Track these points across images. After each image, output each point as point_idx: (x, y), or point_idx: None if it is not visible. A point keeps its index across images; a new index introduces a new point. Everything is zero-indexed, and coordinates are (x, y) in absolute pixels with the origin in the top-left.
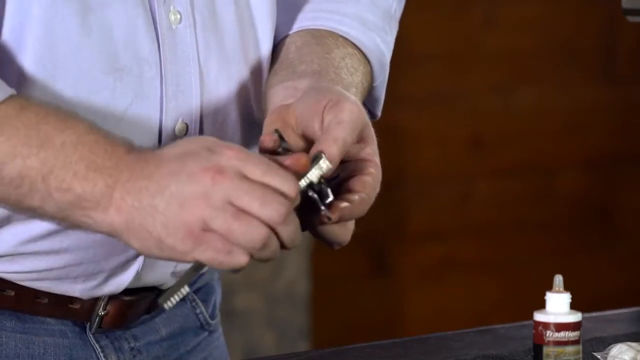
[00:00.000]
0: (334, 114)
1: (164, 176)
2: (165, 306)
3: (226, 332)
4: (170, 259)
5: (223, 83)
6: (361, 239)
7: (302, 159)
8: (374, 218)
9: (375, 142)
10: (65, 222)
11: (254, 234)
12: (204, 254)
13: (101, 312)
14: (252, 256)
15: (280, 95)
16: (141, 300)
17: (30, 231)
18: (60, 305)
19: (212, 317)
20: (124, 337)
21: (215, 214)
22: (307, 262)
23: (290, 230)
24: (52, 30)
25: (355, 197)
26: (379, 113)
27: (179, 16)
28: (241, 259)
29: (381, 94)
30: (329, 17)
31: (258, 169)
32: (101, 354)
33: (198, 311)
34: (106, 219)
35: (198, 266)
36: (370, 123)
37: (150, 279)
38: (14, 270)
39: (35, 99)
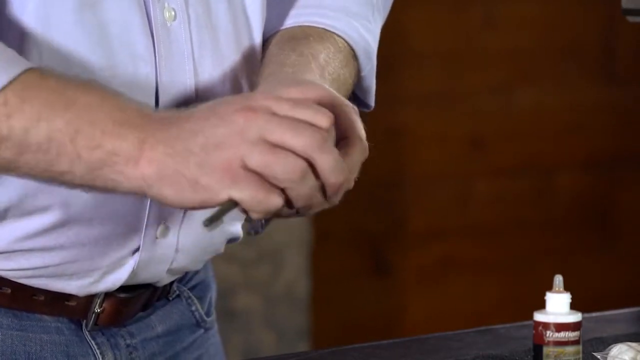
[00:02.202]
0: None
1: (196, 122)
2: (209, 229)
3: (226, 332)
4: (204, 203)
5: (218, 80)
6: (361, 239)
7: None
8: (374, 218)
9: (352, 111)
10: (93, 186)
11: (291, 165)
12: (242, 192)
13: (97, 310)
14: (290, 200)
15: None
16: (137, 298)
17: (26, 228)
18: (56, 303)
19: (208, 314)
20: (120, 334)
21: (251, 149)
22: (307, 262)
23: (330, 159)
24: (48, 26)
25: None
26: (372, 103)
27: (173, 13)
28: (277, 200)
29: (371, 83)
30: (312, 12)
31: (287, 104)
32: (97, 351)
33: (194, 308)
34: (137, 173)
35: (231, 205)
36: (335, 93)
37: (146, 276)
38: (9, 268)
39: (55, 70)
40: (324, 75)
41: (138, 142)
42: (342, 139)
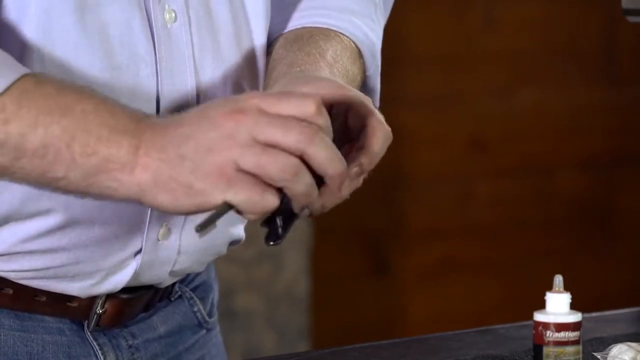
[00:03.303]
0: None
1: (187, 127)
2: (200, 235)
3: (226, 333)
4: (199, 207)
5: (218, 81)
6: (361, 239)
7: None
8: (374, 218)
9: (371, 103)
10: (90, 192)
11: (284, 163)
12: (238, 195)
13: (99, 310)
14: (284, 196)
15: None
16: (139, 298)
17: (28, 230)
18: (58, 304)
19: (210, 315)
20: (122, 335)
21: (243, 151)
22: (307, 262)
23: (322, 151)
24: (49, 29)
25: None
26: (377, 103)
27: (173, 15)
28: (273, 200)
29: (375, 83)
30: (316, 13)
31: (274, 97)
32: (99, 352)
33: (196, 309)
34: (133, 180)
35: (227, 207)
36: (348, 87)
37: (149, 277)
38: (11, 269)
39: (52, 76)
40: (333, 72)
41: (133, 148)
42: (361, 128)
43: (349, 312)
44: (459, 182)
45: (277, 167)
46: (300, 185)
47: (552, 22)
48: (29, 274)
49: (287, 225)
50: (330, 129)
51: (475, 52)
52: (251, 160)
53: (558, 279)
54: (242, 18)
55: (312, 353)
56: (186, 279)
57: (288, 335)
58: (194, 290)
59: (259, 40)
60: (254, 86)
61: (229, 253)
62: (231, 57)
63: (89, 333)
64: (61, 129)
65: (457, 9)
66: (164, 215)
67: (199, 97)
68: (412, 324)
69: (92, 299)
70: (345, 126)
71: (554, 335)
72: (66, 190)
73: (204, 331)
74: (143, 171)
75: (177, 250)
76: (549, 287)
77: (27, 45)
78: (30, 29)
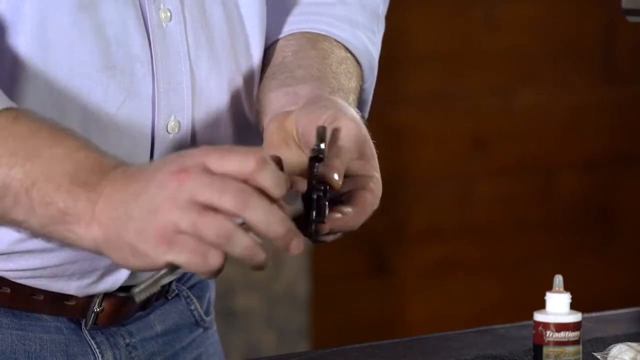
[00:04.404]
0: (333, 136)
1: (139, 186)
2: (137, 298)
3: (226, 333)
4: (147, 268)
5: (214, 81)
6: (361, 239)
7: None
8: (374, 218)
9: (375, 157)
10: (51, 239)
11: (218, 227)
12: (179, 257)
13: (96, 309)
14: (226, 256)
15: (281, 100)
16: None
17: None
18: (55, 302)
19: (207, 313)
20: (119, 333)
21: (182, 214)
22: (307, 262)
23: (259, 214)
24: (45, 28)
25: (350, 209)
26: (365, 115)
27: (169, 14)
28: (216, 260)
29: (369, 96)
30: (319, 19)
31: (218, 154)
32: (97, 350)
33: (193, 307)
34: (88, 234)
35: (173, 268)
36: (369, 138)
37: (145, 276)
38: (9, 269)
39: (34, 113)
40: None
41: (89, 202)
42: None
43: (349, 312)
44: (459, 182)
45: (212, 230)
46: (237, 248)
47: (553, 21)
48: (27, 273)
49: (321, 216)
50: (280, 180)
51: (475, 51)
52: (187, 222)
53: (558, 279)
54: (236, 18)
55: (312, 353)
56: (183, 278)
57: (288, 335)
58: (190, 288)
59: (254, 39)
60: (249, 85)
61: None
62: (226, 56)
63: (86, 331)
64: (24, 173)
65: (457, 8)
66: None
67: (195, 96)
68: (412, 324)
69: (90, 298)
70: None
71: (554, 335)
72: (32, 233)
73: (201, 330)
74: (98, 227)
75: None
76: (549, 287)
77: (22, 45)
78: (25, 30)
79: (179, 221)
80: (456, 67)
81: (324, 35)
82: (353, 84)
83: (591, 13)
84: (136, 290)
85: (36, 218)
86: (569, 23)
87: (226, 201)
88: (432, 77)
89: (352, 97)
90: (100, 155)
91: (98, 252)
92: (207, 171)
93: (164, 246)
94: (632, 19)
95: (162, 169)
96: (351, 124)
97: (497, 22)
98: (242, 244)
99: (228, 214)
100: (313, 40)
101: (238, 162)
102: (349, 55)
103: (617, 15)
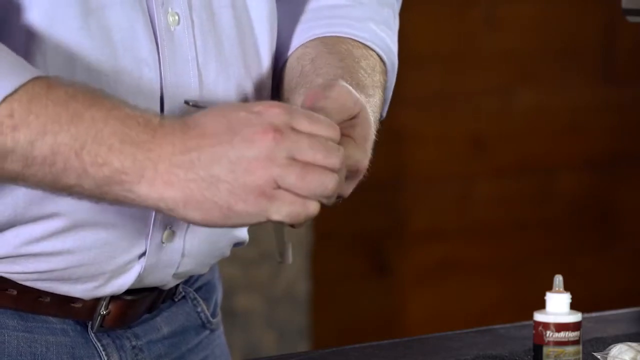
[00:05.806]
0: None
1: (216, 145)
2: (288, 262)
3: (226, 333)
4: (235, 225)
5: (222, 85)
6: (361, 239)
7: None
8: (374, 218)
9: (369, 140)
10: (105, 199)
11: (329, 182)
12: (280, 211)
13: (103, 312)
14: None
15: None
16: (143, 300)
17: (32, 233)
18: (62, 305)
19: (214, 315)
20: (126, 336)
21: (284, 171)
22: (307, 262)
23: (343, 173)
24: (52, 33)
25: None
26: (384, 114)
27: (177, 18)
28: (315, 208)
29: (389, 95)
30: (341, 22)
31: (305, 120)
32: (103, 353)
33: (199, 309)
34: (152, 194)
35: (281, 226)
36: (369, 118)
37: (152, 280)
38: (15, 271)
39: (64, 79)
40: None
41: (149, 162)
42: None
43: (349, 312)
44: (459, 182)
45: (322, 186)
46: (332, 195)
47: (552, 21)
48: (33, 276)
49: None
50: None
51: (475, 51)
52: (294, 180)
53: (558, 279)
54: (245, 22)
55: (312, 353)
56: (190, 280)
57: (288, 335)
58: (197, 290)
59: (263, 43)
60: (258, 89)
61: (229, 253)
62: (234, 60)
63: (92, 334)
64: (70, 137)
65: (457, 8)
66: (168, 218)
67: (203, 100)
68: (412, 324)
69: (96, 300)
70: None
71: (554, 335)
72: (82, 196)
73: (208, 332)
74: (167, 187)
75: (181, 252)
76: (549, 287)
77: (31, 48)
78: (34, 33)
79: (281, 178)
80: (456, 67)
81: (342, 38)
82: (375, 78)
83: (591, 13)
84: (280, 257)
85: (89, 180)
86: (569, 23)
87: (331, 161)
88: (432, 77)
89: (370, 92)
90: (140, 112)
91: (158, 210)
92: (297, 131)
93: (264, 204)
94: (632, 19)
95: (241, 127)
96: (344, 89)
97: (498, 22)
98: (335, 190)
99: (333, 171)
100: (331, 44)
101: (326, 128)
102: (371, 52)
103: (617, 15)
